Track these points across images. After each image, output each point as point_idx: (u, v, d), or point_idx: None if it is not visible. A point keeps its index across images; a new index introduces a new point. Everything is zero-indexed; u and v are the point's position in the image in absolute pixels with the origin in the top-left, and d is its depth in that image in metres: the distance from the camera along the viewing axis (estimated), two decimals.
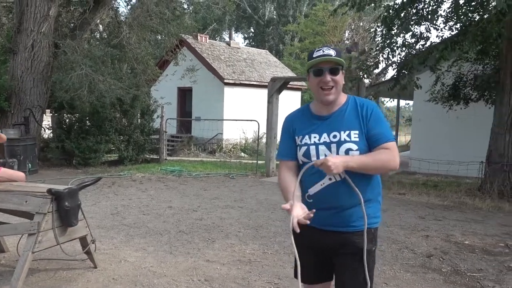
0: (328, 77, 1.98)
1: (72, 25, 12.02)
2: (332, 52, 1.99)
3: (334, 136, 1.98)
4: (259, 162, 10.77)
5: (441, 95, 9.49)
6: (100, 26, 13.87)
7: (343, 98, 2.08)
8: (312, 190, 2.01)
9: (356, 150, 1.94)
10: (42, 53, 10.22)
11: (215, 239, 4.93)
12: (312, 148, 2.01)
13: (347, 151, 1.94)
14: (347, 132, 1.97)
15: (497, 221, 6.15)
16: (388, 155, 1.95)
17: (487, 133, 8.13)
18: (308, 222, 1.84)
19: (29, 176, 7.98)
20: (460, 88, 9.37)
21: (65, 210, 3.54)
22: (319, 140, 2.01)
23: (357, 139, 1.95)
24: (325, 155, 1.95)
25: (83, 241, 3.87)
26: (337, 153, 1.94)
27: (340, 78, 2.00)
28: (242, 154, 16.68)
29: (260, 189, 8.26)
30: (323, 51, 2.00)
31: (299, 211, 1.87)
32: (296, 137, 2.09)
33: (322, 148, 1.98)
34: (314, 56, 2.01)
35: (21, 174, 4.11)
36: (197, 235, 5.09)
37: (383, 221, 5.82)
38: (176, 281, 3.70)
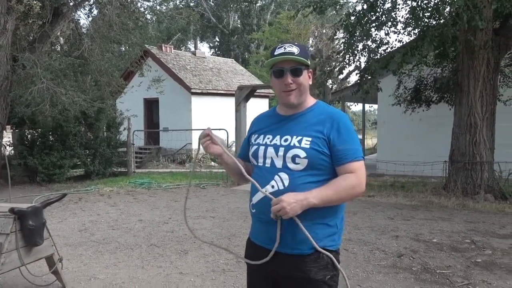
0: (289, 79, 1.79)
1: (31, 38, 11.66)
2: (294, 50, 1.79)
3: (285, 140, 1.81)
4: None
5: (404, 98, 9.80)
6: (61, 38, 13.53)
7: (309, 101, 1.89)
8: (255, 198, 1.84)
9: (304, 157, 1.74)
10: (0, 68, 9.84)
11: (187, 251, 4.86)
12: (261, 148, 1.86)
13: (293, 157, 1.75)
14: (299, 138, 1.78)
15: (462, 218, 6.36)
16: (353, 181, 1.74)
17: (449, 133, 8.43)
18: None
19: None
20: (422, 91, 9.71)
21: (29, 229, 3.40)
22: (270, 141, 1.85)
23: (307, 146, 1.75)
24: (271, 158, 1.81)
25: (50, 260, 3.72)
26: (284, 158, 1.77)
27: (304, 79, 1.81)
28: (212, 163, 16.58)
29: (231, 198, 8.23)
30: (285, 48, 1.80)
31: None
32: (253, 136, 1.97)
33: (270, 150, 1.82)
34: (275, 54, 1.81)
35: None
36: (169, 247, 5.00)
37: (354, 223, 5.93)
38: None
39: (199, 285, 3.86)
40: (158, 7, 14.47)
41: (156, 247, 5.02)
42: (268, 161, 1.82)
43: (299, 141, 1.77)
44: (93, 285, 3.87)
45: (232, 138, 12.74)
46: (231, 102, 14.36)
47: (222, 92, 18.46)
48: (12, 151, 11.50)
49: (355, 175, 1.74)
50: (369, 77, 8.39)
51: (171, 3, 19.10)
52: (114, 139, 11.75)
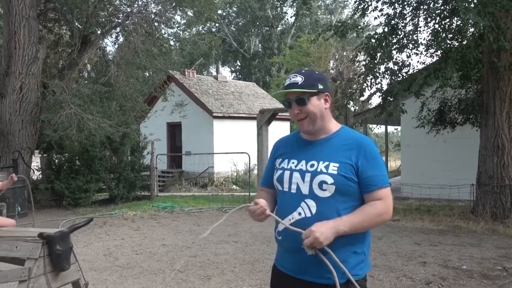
0: (296, 109, 1.82)
1: (60, 65, 12.12)
2: (298, 79, 1.81)
3: (312, 165, 1.79)
4: (251, 194, 10.71)
5: (428, 120, 9.66)
6: (88, 65, 14.00)
7: (333, 126, 1.89)
8: (281, 226, 1.81)
9: (332, 184, 1.72)
10: (31, 95, 10.23)
11: (211, 276, 4.84)
12: (287, 173, 1.84)
13: (320, 184, 1.74)
14: (326, 163, 1.77)
15: (492, 244, 6.15)
16: (381, 208, 1.74)
17: (475, 155, 8.24)
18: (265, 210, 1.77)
19: (19, 219, 7.82)
20: (446, 113, 9.56)
21: (57, 254, 3.45)
22: (296, 166, 1.83)
23: (335, 172, 1.73)
24: (297, 184, 1.79)
25: (76, 285, 3.76)
26: (310, 184, 1.75)
27: (312, 106, 1.80)
28: (234, 186, 16.60)
29: (254, 222, 8.11)
30: (290, 79, 1.84)
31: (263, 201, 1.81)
32: (277, 160, 1.95)
33: (296, 175, 1.81)
34: (285, 85, 1.86)
35: (12, 222, 4.04)
36: (192, 273, 4.99)
37: (380, 249, 5.80)
38: None
39: None
40: (181, 34, 14.83)
41: (180, 272, 5.02)
42: (294, 186, 1.80)
43: (326, 167, 1.76)
44: None
45: (253, 161, 12.76)
46: (252, 125, 14.46)
47: (244, 115, 18.62)
48: (40, 176, 11.79)
49: (383, 202, 1.74)
50: (392, 99, 8.33)
51: (193, 29, 19.55)
52: (138, 163, 11.93)
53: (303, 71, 1.87)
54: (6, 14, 10.26)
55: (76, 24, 11.33)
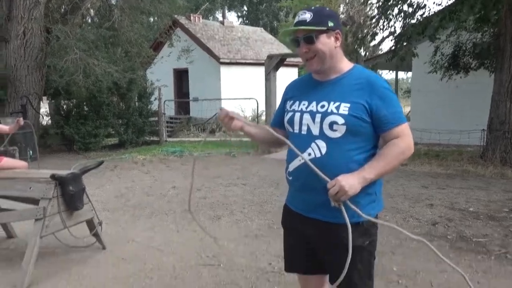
0: (304, 48, 1.75)
1: (62, 10, 11.80)
2: (306, 16, 1.73)
3: (322, 106, 1.75)
4: None
5: (441, 65, 9.42)
6: (91, 10, 13.63)
7: (345, 65, 1.81)
8: (292, 166, 1.81)
9: (342, 124, 1.69)
10: (35, 40, 10.06)
11: (220, 216, 4.95)
12: (297, 115, 1.82)
13: (331, 124, 1.70)
14: (337, 103, 1.72)
15: (500, 188, 6.18)
16: (402, 146, 1.70)
17: (487, 101, 8.10)
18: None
19: (31, 163, 7.96)
20: (460, 57, 9.30)
21: (70, 195, 3.53)
22: (306, 108, 1.80)
23: (345, 113, 1.69)
24: (307, 125, 1.76)
25: (90, 224, 3.88)
26: (321, 125, 1.72)
27: (321, 44, 1.72)
28: (242, 132, 16.64)
29: (262, 166, 8.27)
30: (298, 17, 1.76)
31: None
32: (288, 102, 1.92)
33: (306, 117, 1.78)
34: (294, 22, 1.78)
35: (23, 164, 4.10)
36: (202, 213, 5.11)
37: (387, 192, 5.86)
38: (185, 259, 3.72)
39: (232, 249, 3.94)
40: None
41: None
42: (304, 128, 1.78)
43: (337, 107, 1.71)
44: (131, 248, 4.02)
45: (262, 107, 12.68)
46: (260, 71, 14.24)
47: (251, 61, 18.30)
48: (49, 121, 11.87)
49: (402, 139, 1.70)
50: (405, 43, 8.08)
51: None
52: (146, 109, 11.93)
53: (313, 7, 1.79)
54: None
55: None
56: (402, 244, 3.98)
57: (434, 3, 8.86)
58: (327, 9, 1.81)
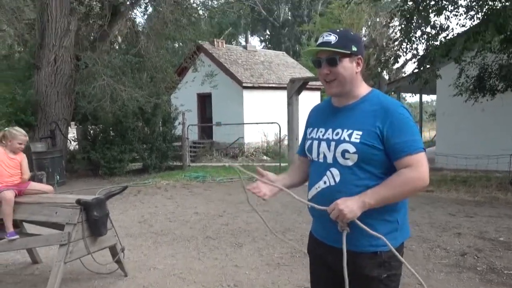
0: (326, 69, 1.74)
1: (91, 37, 12.25)
2: (331, 38, 1.72)
3: (337, 134, 1.75)
4: (282, 164, 10.71)
5: (466, 88, 9.25)
6: (119, 37, 14.10)
7: (363, 90, 1.79)
8: (310, 194, 1.84)
9: (354, 152, 1.67)
10: (65, 67, 10.44)
11: (242, 244, 4.91)
12: (315, 143, 1.83)
13: (343, 152, 1.69)
14: (350, 131, 1.71)
15: None
16: (410, 175, 1.62)
17: None
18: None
19: (57, 188, 8.15)
20: (485, 80, 9.12)
21: (94, 220, 3.58)
22: (323, 135, 1.80)
23: (357, 141, 1.67)
24: (324, 153, 1.77)
25: (113, 250, 3.91)
26: (334, 153, 1.73)
27: (343, 68, 1.72)
28: (265, 157, 16.64)
29: (285, 193, 8.19)
30: (323, 38, 1.75)
31: (269, 177, 1.90)
32: (308, 130, 1.94)
33: (323, 145, 1.78)
34: (317, 43, 1.78)
35: (49, 187, 4.19)
36: (224, 240, 5.08)
37: (413, 220, 5.71)
38: (206, 287, 3.69)
39: (253, 278, 3.89)
40: (210, 3, 14.66)
41: (212, 239, 5.12)
42: (321, 156, 1.79)
43: (349, 135, 1.71)
44: (152, 275, 4.01)
45: (284, 131, 12.70)
46: (282, 95, 14.30)
47: (274, 85, 18.44)
48: (77, 146, 12.17)
49: (412, 169, 1.62)
50: (428, 66, 8.00)
51: None
52: (170, 134, 12.09)
53: (338, 30, 1.78)
54: None
55: None
56: (429, 276, 3.85)
57: (457, 24, 8.81)
58: (352, 33, 1.81)
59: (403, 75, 20.22)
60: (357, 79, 1.78)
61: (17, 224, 4.07)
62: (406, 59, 9.36)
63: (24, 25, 11.74)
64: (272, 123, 13.44)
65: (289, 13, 38.42)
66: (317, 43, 1.77)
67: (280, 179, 1.96)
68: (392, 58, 9.63)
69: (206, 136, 18.46)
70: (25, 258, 4.47)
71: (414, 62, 8.72)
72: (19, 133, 3.97)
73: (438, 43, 8.19)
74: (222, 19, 27.69)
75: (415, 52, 8.56)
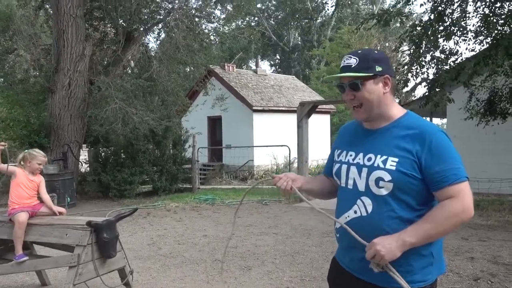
0: (349, 95, 1.65)
1: (105, 62, 12.55)
2: (352, 61, 1.63)
3: (369, 159, 1.63)
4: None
5: (477, 111, 9.22)
6: (132, 61, 14.40)
7: (396, 112, 1.67)
8: (338, 223, 1.71)
9: (389, 181, 1.55)
10: (78, 91, 10.67)
11: (251, 267, 4.87)
12: (344, 167, 1.71)
13: (377, 180, 1.57)
14: (384, 157, 1.58)
15: None
16: (454, 207, 1.49)
17: None
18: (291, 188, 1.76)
19: (68, 210, 8.19)
20: (496, 103, 9.09)
21: (104, 242, 3.59)
22: (353, 159, 1.68)
23: (393, 168, 1.55)
24: (354, 179, 1.65)
25: (122, 272, 3.90)
26: (367, 181, 1.61)
27: (368, 92, 1.62)
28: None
29: (294, 215, 8.16)
30: (344, 61, 1.66)
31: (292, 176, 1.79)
32: (336, 151, 1.82)
33: (353, 169, 1.67)
34: (340, 67, 1.70)
35: (61, 209, 4.23)
36: (233, 263, 5.04)
37: None
38: None
39: None
40: (221, 28, 14.96)
41: (221, 262, 5.08)
42: (350, 182, 1.68)
43: (384, 162, 1.58)
44: None
45: (294, 154, 12.70)
46: (292, 118, 14.38)
47: (284, 108, 18.56)
48: (88, 168, 12.29)
49: (455, 200, 1.50)
50: (438, 90, 8.01)
51: (233, 23, 19.67)
52: (180, 156, 12.17)
53: (359, 51, 1.68)
54: (55, 13, 10.73)
55: (120, 21, 11.67)
56: None
57: (466, 49, 8.84)
58: (376, 51, 1.69)
59: (413, 98, 20.22)
60: (387, 99, 1.66)
61: (27, 246, 4.10)
62: (416, 82, 9.36)
63: (40, 50, 12.08)
64: (281, 145, 13.48)
65: (299, 38, 38.97)
66: (340, 67, 1.69)
67: (301, 179, 1.84)
68: (402, 81, 9.68)
69: (216, 158, 18.53)
70: (34, 280, 4.48)
71: (424, 86, 8.74)
72: (39, 154, 4.05)
73: (447, 67, 8.22)
74: (233, 44, 28.24)
75: (425, 76, 8.60)
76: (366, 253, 1.53)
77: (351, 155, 1.71)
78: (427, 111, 11.02)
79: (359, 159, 1.67)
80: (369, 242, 1.55)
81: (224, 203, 9.77)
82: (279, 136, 17.02)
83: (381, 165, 1.58)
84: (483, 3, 7.69)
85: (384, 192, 1.57)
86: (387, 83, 1.65)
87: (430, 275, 1.60)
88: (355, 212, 1.64)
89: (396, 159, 1.56)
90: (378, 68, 1.62)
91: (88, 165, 12.28)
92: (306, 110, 10.08)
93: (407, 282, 1.53)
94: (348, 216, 1.66)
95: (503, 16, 7.29)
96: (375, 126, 1.69)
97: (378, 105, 1.64)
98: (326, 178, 1.94)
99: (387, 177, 1.56)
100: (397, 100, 13.47)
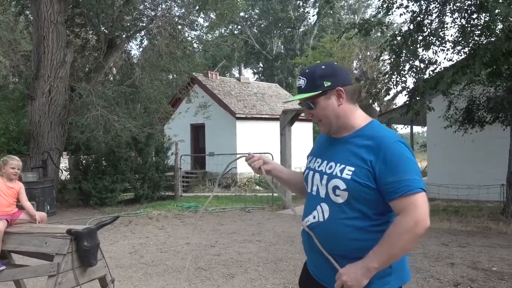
0: (307, 114, 1.73)
1: (87, 69, 12.41)
2: (301, 83, 1.68)
3: (330, 167, 1.66)
4: (274, 194, 10.69)
5: (455, 119, 9.43)
6: (114, 68, 14.29)
7: (359, 122, 1.68)
8: (301, 227, 1.77)
9: (344, 190, 1.57)
10: (59, 97, 10.51)
11: (234, 275, 4.84)
12: (310, 174, 1.76)
13: (334, 188, 1.60)
14: (343, 166, 1.61)
15: None
16: (404, 223, 1.47)
17: (505, 155, 8.00)
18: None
19: (48, 218, 8.02)
20: (474, 111, 9.32)
21: (84, 250, 3.52)
22: (318, 167, 1.73)
23: (348, 177, 1.57)
24: (317, 186, 1.69)
25: (103, 281, 3.83)
26: (326, 188, 1.64)
27: (319, 111, 1.67)
28: (257, 187, 16.60)
29: (277, 222, 8.17)
30: (297, 83, 1.72)
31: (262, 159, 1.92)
32: (308, 157, 1.87)
33: (316, 176, 1.71)
34: None
35: (42, 214, 4.16)
36: (216, 271, 5.01)
37: None
38: None
39: None
40: (204, 36, 14.98)
41: (203, 270, 5.05)
42: (314, 188, 1.72)
43: (341, 170, 1.60)
44: None
45: (277, 161, 12.74)
46: (275, 126, 14.43)
47: (267, 116, 18.63)
48: (68, 176, 12.09)
49: (406, 215, 1.47)
50: (419, 98, 8.17)
51: (216, 31, 19.72)
52: (162, 164, 12.08)
53: (307, 70, 1.71)
54: (36, 19, 10.59)
55: (102, 28, 11.59)
56: None
57: (445, 58, 9.06)
58: (323, 67, 1.69)
59: (394, 106, 20.57)
60: (345, 110, 1.67)
61: (5, 255, 4.00)
62: (397, 91, 9.53)
63: (20, 56, 11.88)
64: (265, 153, 13.47)
65: (282, 46, 39.27)
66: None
67: (273, 165, 1.97)
68: (384, 90, 9.85)
69: (199, 166, 18.44)
70: None
71: (405, 95, 8.90)
72: (11, 159, 3.97)
73: (427, 76, 8.40)
74: (216, 52, 28.27)
75: (404, 85, 8.76)
76: (335, 285, 1.55)
77: (317, 162, 1.76)
78: (408, 119, 11.22)
79: (323, 166, 1.71)
80: (324, 248, 1.61)
81: (207, 211, 9.71)
82: (263, 143, 17.04)
83: (339, 174, 1.61)
84: (460, 14, 7.90)
85: (340, 200, 1.60)
86: (341, 95, 1.66)
87: (388, 285, 1.59)
88: (314, 217, 1.68)
89: (353, 169, 1.58)
90: (327, 84, 1.64)
91: (68, 172, 12.06)
92: (289, 118, 10.14)
93: None
94: (308, 221, 1.70)
95: (479, 27, 7.50)
96: (339, 135, 1.72)
97: (337, 118, 1.67)
98: (299, 177, 2.00)
99: (343, 185, 1.58)
100: (378, 109, 13.68)
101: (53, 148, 10.42)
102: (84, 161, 11.33)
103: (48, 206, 9.00)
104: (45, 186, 9.24)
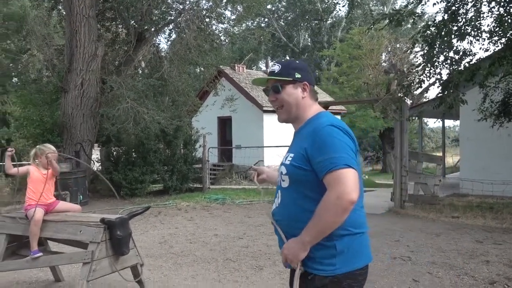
0: (272, 97, 1.86)
1: (117, 62, 12.62)
2: (275, 68, 1.86)
3: (286, 158, 1.83)
4: None
5: (491, 113, 9.10)
6: (143, 62, 14.49)
7: (309, 114, 1.84)
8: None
9: (285, 174, 1.76)
10: (91, 90, 10.75)
11: (262, 267, 4.85)
12: (279, 167, 1.90)
13: (280, 174, 1.81)
14: (289, 154, 1.80)
15: None
16: (328, 198, 1.58)
17: None
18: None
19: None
20: (510, 104, 8.96)
21: (117, 239, 3.60)
22: (284, 159, 1.85)
23: (288, 163, 1.75)
24: (280, 176, 1.84)
25: (135, 270, 3.90)
26: (280, 176, 1.83)
27: (287, 95, 1.82)
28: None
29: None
30: (270, 68, 1.90)
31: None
32: None
33: (281, 168, 1.85)
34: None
35: (77, 207, 4.26)
36: (245, 262, 5.03)
37: (438, 246, 5.56)
38: None
39: None
40: (231, 29, 14.97)
41: (232, 261, 5.08)
42: (279, 178, 1.87)
43: (286, 158, 1.80)
44: None
45: None
46: None
47: None
48: (100, 167, 12.38)
49: (329, 190, 1.59)
50: (452, 90, 7.91)
51: (243, 24, 19.69)
52: (190, 156, 12.20)
53: (283, 60, 1.93)
54: (68, 14, 10.84)
55: (132, 22, 11.75)
56: None
57: (481, 48, 8.73)
58: (297, 62, 1.92)
59: (425, 100, 20.06)
60: (305, 104, 1.84)
61: (41, 242, 4.13)
62: (429, 83, 9.26)
63: (53, 50, 12.20)
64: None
65: (309, 39, 38.87)
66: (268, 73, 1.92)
67: (268, 173, 2.22)
68: (416, 82, 9.59)
69: (226, 159, 18.53)
70: (48, 276, 4.51)
71: (438, 87, 8.63)
72: (47, 148, 4.07)
73: (462, 67, 8.12)
74: (243, 45, 28.27)
75: (438, 76, 8.50)
76: (281, 259, 1.74)
77: (284, 156, 1.89)
78: (440, 112, 10.92)
79: (285, 158, 1.85)
80: (283, 229, 1.77)
81: (234, 203, 9.76)
82: (290, 136, 16.89)
83: (284, 161, 1.81)
84: (498, 3, 7.58)
85: (285, 184, 1.78)
86: (306, 89, 1.85)
87: (332, 267, 1.66)
88: (275, 203, 1.87)
89: (292, 155, 1.77)
90: (298, 75, 1.83)
91: (100, 164, 12.35)
92: None
93: (307, 267, 1.68)
94: (271, 208, 1.90)
95: None
96: (296, 128, 1.90)
97: (297, 107, 1.84)
98: None
99: (284, 170, 1.78)
100: (409, 101, 13.35)
101: (85, 139, 10.68)
102: (115, 153, 11.58)
103: (81, 196, 9.25)
104: (78, 176, 9.50)
